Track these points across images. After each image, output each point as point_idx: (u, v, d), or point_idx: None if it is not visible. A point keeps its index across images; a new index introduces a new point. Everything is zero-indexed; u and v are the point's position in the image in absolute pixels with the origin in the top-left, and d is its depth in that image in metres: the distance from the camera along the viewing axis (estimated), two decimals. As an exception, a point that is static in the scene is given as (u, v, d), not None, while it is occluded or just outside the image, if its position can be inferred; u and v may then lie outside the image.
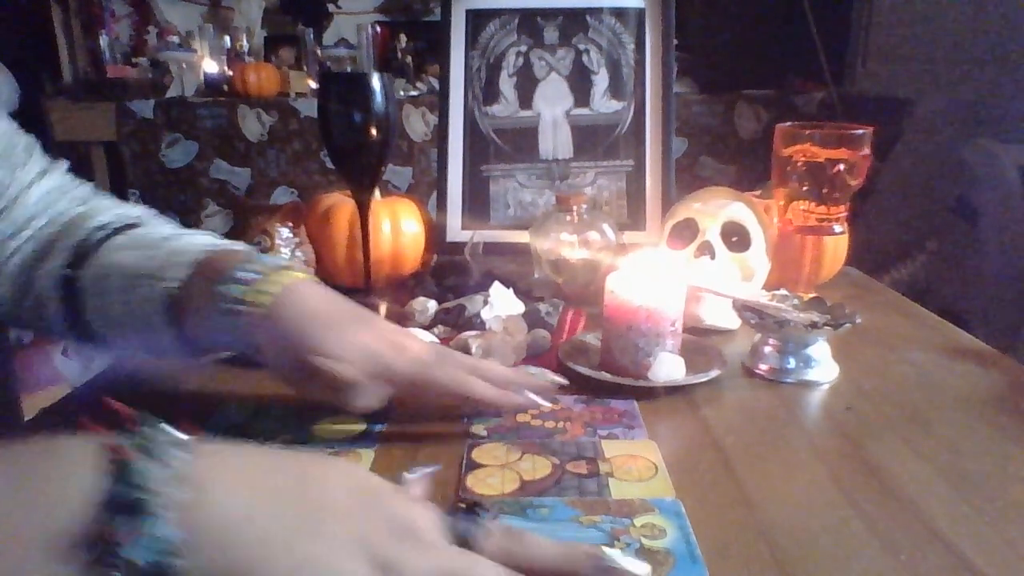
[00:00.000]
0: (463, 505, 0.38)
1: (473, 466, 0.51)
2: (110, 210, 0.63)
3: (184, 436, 0.31)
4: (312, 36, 2.43)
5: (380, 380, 0.52)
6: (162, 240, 0.58)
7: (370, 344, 0.52)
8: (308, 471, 0.34)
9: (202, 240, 0.59)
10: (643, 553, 0.41)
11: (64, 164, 0.66)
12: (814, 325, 0.66)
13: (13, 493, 0.27)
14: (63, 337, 0.61)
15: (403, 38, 2.45)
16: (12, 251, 0.61)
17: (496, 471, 0.50)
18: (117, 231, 0.60)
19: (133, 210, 0.65)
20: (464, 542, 0.36)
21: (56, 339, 0.61)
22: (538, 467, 0.51)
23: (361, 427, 0.56)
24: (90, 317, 0.58)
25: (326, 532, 0.31)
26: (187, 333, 0.55)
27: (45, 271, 0.59)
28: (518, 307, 0.74)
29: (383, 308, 0.80)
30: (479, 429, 0.56)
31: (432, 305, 0.78)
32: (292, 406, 0.60)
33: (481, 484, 0.49)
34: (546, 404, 0.58)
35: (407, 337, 0.55)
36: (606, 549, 0.38)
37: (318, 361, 0.49)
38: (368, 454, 0.53)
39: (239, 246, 0.60)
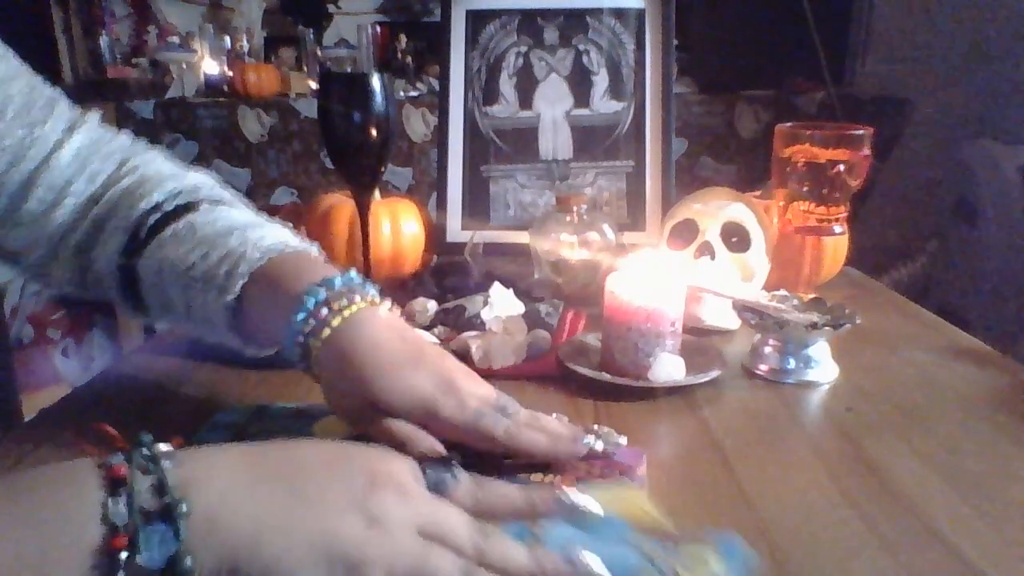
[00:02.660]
0: (435, 456, 0.41)
1: None
2: (162, 184, 0.59)
3: (169, 447, 0.34)
4: (312, 36, 2.43)
5: (429, 426, 0.47)
6: (218, 237, 0.54)
7: (421, 386, 0.47)
8: (280, 452, 0.37)
9: (261, 239, 0.54)
10: None
11: (96, 115, 0.62)
12: (814, 325, 0.66)
13: (32, 516, 0.30)
14: (128, 314, 0.61)
15: (403, 38, 2.45)
16: (64, 227, 0.59)
17: None
18: (170, 216, 0.57)
19: (187, 180, 0.61)
20: (436, 489, 0.38)
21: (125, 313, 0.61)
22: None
23: None
24: (149, 303, 0.58)
25: (310, 498, 0.34)
26: (249, 337, 0.54)
27: (100, 254, 0.58)
28: (518, 307, 0.74)
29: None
30: None
31: (432, 305, 0.78)
32: (292, 406, 0.60)
33: None
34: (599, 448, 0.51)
35: (467, 379, 0.49)
36: (565, 488, 0.40)
37: (374, 427, 0.47)
38: None
39: (302, 247, 0.56)
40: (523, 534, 0.38)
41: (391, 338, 0.48)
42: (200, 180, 0.62)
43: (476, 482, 0.40)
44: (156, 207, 0.58)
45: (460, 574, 0.34)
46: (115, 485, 0.31)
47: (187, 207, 0.58)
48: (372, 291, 0.51)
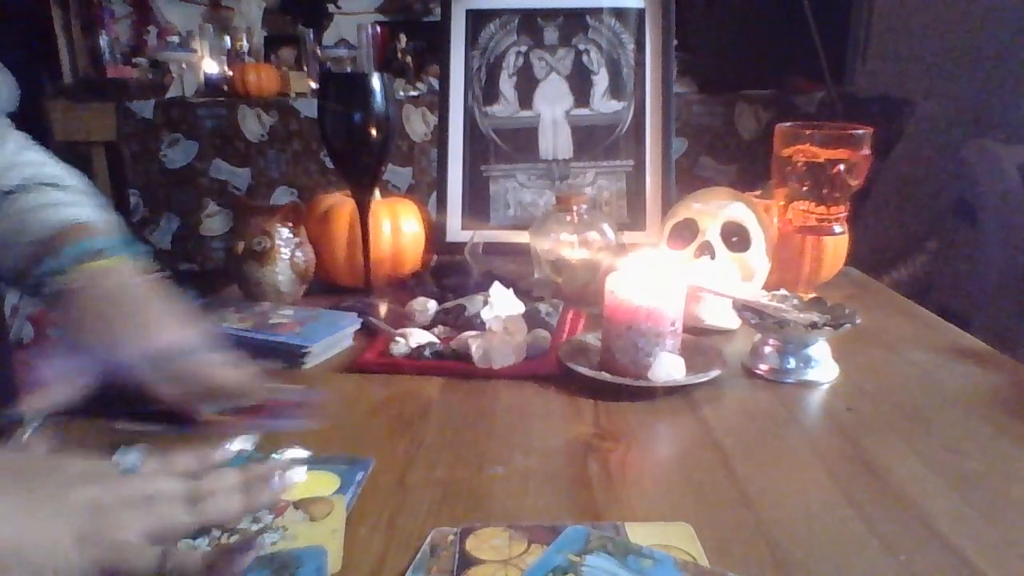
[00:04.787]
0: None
1: (469, 563, 0.41)
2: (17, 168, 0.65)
3: None
4: (312, 36, 2.43)
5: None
6: (29, 212, 0.63)
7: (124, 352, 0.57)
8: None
9: (66, 215, 0.62)
10: None
11: None
12: (814, 325, 0.66)
13: None
14: None
15: (403, 38, 2.45)
16: None
17: (498, 569, 0.40)
18: (6, 194, 0.64)
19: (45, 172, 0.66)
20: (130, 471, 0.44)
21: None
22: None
23: (336, 484, 0.50)
24: None
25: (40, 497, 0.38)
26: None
27: None
28: (518, 307, 0.74)
29: (383, 308, 0.80)
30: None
31: (432, 305, 0.78)
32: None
33: None
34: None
35: (165, 331, 0.58)
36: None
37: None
38: (340, 503, 0.47)
39: (92, 221, 0.63)
40: (565, 566, 0.39)
41: (118, 295, 0.58)
42: (63, 172, 0.68)
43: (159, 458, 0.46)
44: None
45: (183, 494, 0.40)
46: None
47: (17, 188, 0.64)
48: (127, 251, 0.61)
